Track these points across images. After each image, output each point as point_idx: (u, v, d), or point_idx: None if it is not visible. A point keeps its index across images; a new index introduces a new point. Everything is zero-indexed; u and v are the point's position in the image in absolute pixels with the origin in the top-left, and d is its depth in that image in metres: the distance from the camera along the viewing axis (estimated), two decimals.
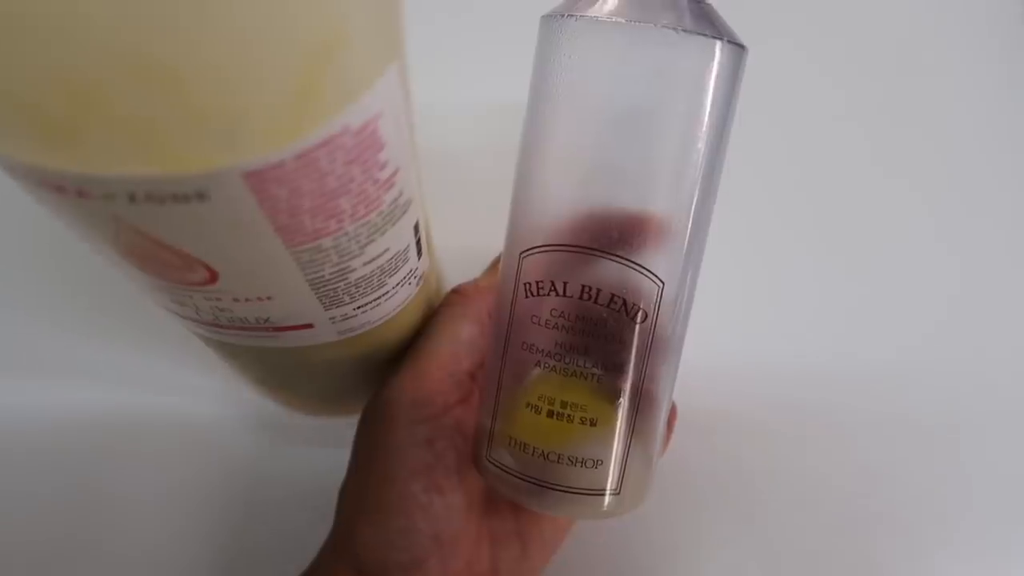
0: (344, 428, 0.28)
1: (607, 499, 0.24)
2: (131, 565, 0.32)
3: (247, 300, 0.19)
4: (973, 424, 0.36)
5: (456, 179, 0.36)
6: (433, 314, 0.27)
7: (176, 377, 0.34)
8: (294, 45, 0.12)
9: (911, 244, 0.39)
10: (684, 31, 0.20)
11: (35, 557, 0.32)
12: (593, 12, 0.21)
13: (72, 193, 0.14)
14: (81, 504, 0.33)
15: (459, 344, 0.26)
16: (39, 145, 0.12)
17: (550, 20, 0.22)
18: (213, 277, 0.17)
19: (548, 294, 0.23)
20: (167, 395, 0.34)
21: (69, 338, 0.35)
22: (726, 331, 0.34)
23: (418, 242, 0.21)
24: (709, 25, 0.21)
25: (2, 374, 0.34)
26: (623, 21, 0.20)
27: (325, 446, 0.34)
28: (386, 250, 0.19)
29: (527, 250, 0.23)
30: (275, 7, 0.11)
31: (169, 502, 0.33)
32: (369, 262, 0.19)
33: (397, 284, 0.22)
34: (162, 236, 0.15)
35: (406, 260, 0.21)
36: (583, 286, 0.23)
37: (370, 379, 0.27)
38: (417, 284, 0.23)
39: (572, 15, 0.21)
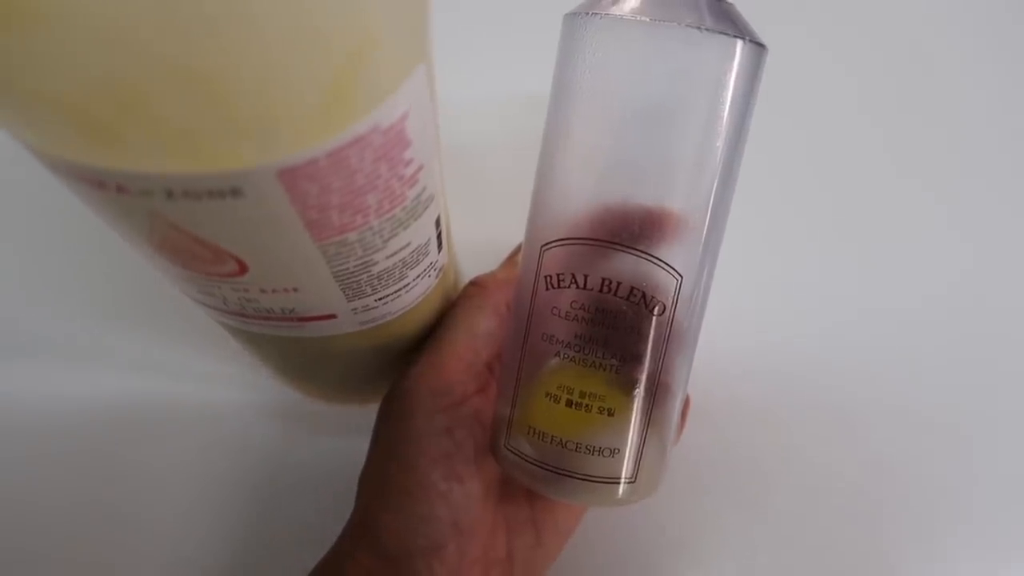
0: (364, 416, 0.29)
1: (622, 487, 0.24)
2: (150, 550, 0.33)
3: (274, 291, 0.19)
4: (984, 415, 0.36)
5: (473, 172, 0.36)
6: (452, 306, 0.27)
7: (197, 364, 0.35)
8: (327, 51, 0.13)
9: (923, 236, 0.39)
10: (707, 30, 0.20)
11: (55, 541, 0.33)
12: (616, 10, 0.21)
13: (112, 189, 0.14)
14: (100, 490, 0.33)
15: (477, 335, 0.27)
16: (82, 144, 0.13)
17: (574, 18, 0.22)
18: (243, 269, 0.18)
19: (568, 286, 0.23)
20: (188, 382, 0.35)
21: (91, 324, 0.35)
22: (737, 321, 0.35)
23: (439, 236, 0.22)
24: (731, 24, 0.21)
25: (24, 360, 0.35)
26: (647, 20, 0.21)
27: (345, 433, 0.34)
28: (408, 244, 0.20)
29: (548, 243, 0.24)
30: (309, 16, 0.12)
31: (189, 488, 0.34)
32: (392, 255, 0.20)
33: (417, 276, 0.22)
34: (196, 230, 0.16)
35: (427, 253, 0.22)
36: (603, 279, 0.23)
37: (389, 368, 0.28)
38: (436, 276, 0.24)
39: (596, 13, 0.21)
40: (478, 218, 0.35)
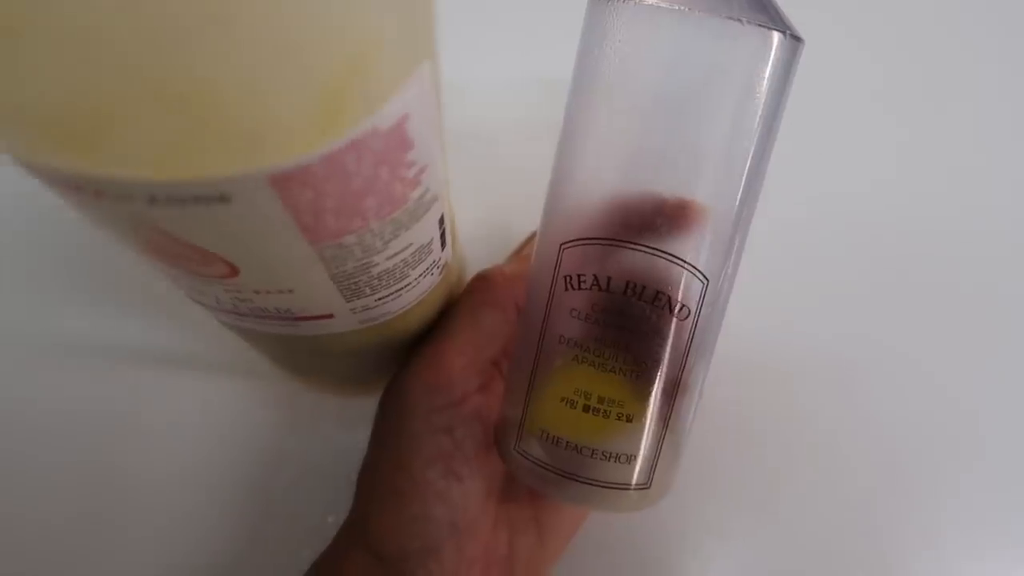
0: (364, 408, 0.28)
1: (636, 493, 0.24)
2: (146, 543, 0.32)
3: (268, 292, 0.18)
4: (996, 421, 0.36)
5: (482, 157, 0.35)
6: (456, 300, 0.26)
7: (195, 353, 0.34)
8: (324, 58, 0.11)
9: (938, 235, 0.38)
10: (748, 22, 0.19)
11: (52, 533, 0.32)
12: None
13: (90, 193, 0.13)
14: (97, 481, 0.33)
15: (481, 331, 0.26)
16: (56, 150, 0.12)
17: (603, 4, 0.21)
18: (234, 272, 0.17)
19: (590, 288, 0.22)
20: (186, 372, 0.34)
21: (90, 314, 0.35)
22: (746, 320, 0.34)
23: (442, 234, 0.21)
24: (768, 13, 0.20)
25: (18, 353, 0.34)
26: (685, 9, 0.19)
27: (345, 425, 0.33)
28: (410, 244, 0.19)
29: (569, 242, 0.23)
30: (304, 22, 0.11)
31: (186, 480, 0.33)
32: (392, 256, 0.19)
33: (419, 276, 0.21)
34: (182, 234, 0.15)
35: (429, 252, 0.21)
36: (628, 282, 0.22)
37: (390, 362, 0.27)
38: (439, 274, 0.23)
39: (630, 0, 0.20)
40: (486, 204, 0.34)
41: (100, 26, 0.10)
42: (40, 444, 0.33)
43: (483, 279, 0.27)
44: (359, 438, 0.27)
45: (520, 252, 0.28)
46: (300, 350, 0.25)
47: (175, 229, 0.15)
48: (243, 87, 0.11)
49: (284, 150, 0.13)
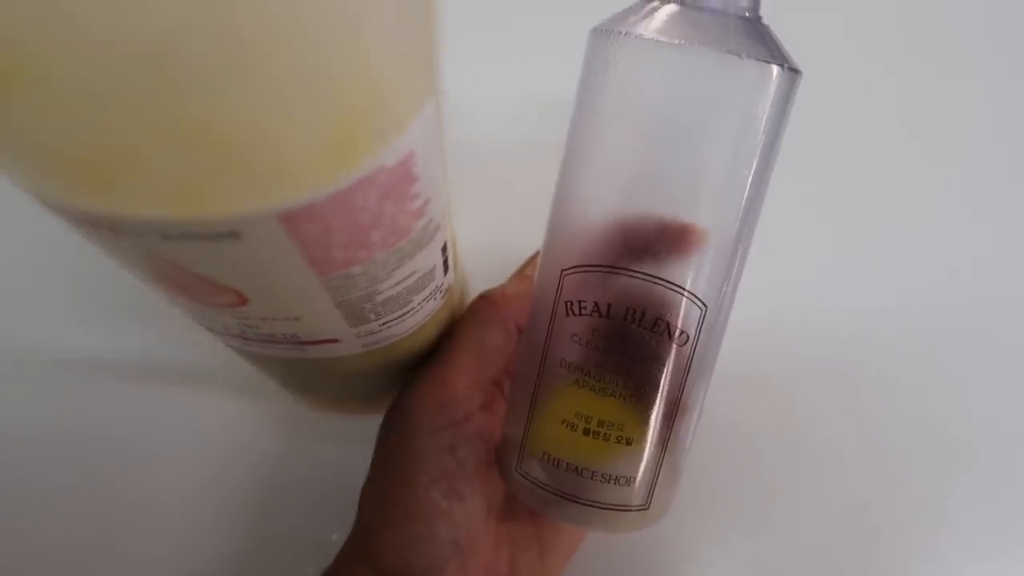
0: (368, 427, 0.28)
1: (636, 514, 0.24)
2: (149, 560, 0.33)
3: (275, 319, 0.19)
4: (997, 430, 0.36)
5: (482, 175, 0.36)
6: (459, 321, 0.27)
7: (199, 371, 0.35)
8: (336, 102, 0.12)
9: (943, 245, 0.38)
10: (747, 56, 0.20)
11: (53, 550, 0.32)
12: (650, 31, 0.20)
13: (105, 228, 0.14)
14: (100, 498, 0.33)
15: (484, 351, 0.26)
16: (72, 189, 0.12)
17: (604, 36, 0.21)
18: (242, 300, 0.17)
19: (591, 314, 0.23)
20: (190, 388, 0.34)
21: (93, 329, 0.35)
22: (744, 333, 0.34)
23: (445, 261, 0.21)
24: (766, 46, 0.20)
25: (24, 363, 0.35)
26: (685, 44, 0.20)
27: (348, 443, 0.34)
28: (414, 272, 0.19)
29: (570, 268, 0.23)
30: (318, 69, 0.11)
31: (189, 497, 0.33)
32: (397, 284, 0.19)
33: (423, 300, 0.22)
34: (193, 267, 0.15)
35: (432, 279, 0.21)
36: (628, 308, 0.22)
37: (393, 382, 0.27)
38: (442, 298, 0.23)
39: (629, 33, 0.20)
40: (486, 222, 0.34)
41: (118, 70, 0.10)
42: (43, 461, 0.33)
43: (486, 299, 0.27)
44: (362, 456, 0.27)
45: (522, 272, 0.29)
46: (305, 373, 0.25)
47: (187, 262, 0.15)
48: (258, 130, 0.12)
49: (294, 190, 0.13)
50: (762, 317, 0.36)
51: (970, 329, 0.37)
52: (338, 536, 0.27)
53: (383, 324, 0.21)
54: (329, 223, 0.15)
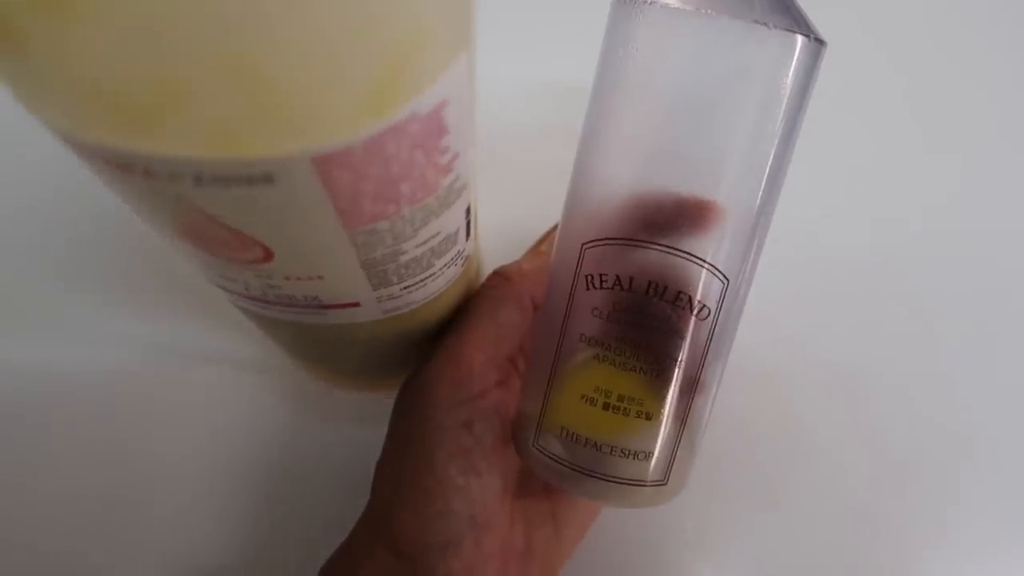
0: (379, 405, 0.28)
1: (653, 489, 0.24)
2: (163, 537, 0.32)
3: (298, 279, 0.19)
4: (999, 432, 0.36)
5: (497, 156, 0.36)
6: (474, 296, 0.27)
7: (214, 347, 0.35)
8: (376, 47, 0.12)
9: (952, 243, 0.38)
10: (773, 26, 0.20)
11: (68, 523, 0.32)
12: (676, 1, 0.20)
13: (139, 172, 0.14)
14: (115, 474, 0.33)
15: (499, 327, 0.26)
16: (116, 130, 0.12)
17: (628, 6, 0.21)
18: (268, 256, 0.17)
19: (612, 288, 0.23)
20: (205, 365, 0.34)
21: (111, 303, 0.35)
22: (758, 319, 0.34)
23: (468, 224, 0.21)
24: (791, 17, 0.20)
25: (31, 339, 0.34)
26: (710, 13, 0.20)
27: (362, 421, 0.34)
28: (438, 232, 0.19)
29: (591, 242, 0.23)
30: (364, 9, 0.11)
31: (204, 473, 0.33)
32: (421, 244, 0.19)
33: (444, 265, 0.22)
34: (223, 216, 0.15)
35: (455, 242, 0.21)
36: (649, 282, 0.22)
37: (408, 356, 0.27)
38: (462, 265, 0.23)
39: (654, 2, 0.20)
40: (500, 205, 0.34)
41: (166, 4, 0.10)
42: (47, 431, 0.33)
43: (501, 275, 0.27)
44: (376, 433, 0.27)
45: (537, 248, 0.29)
46: (322, 340, 0.25)
47: (217, 210, 0.15)
48: (303, 69, 0.12)
49: (330, 132, 0.13)
50: (774, 308, 0.36)
51: (977, 326, 0.37)
52: (351, 514, 0.26)
53: (404, 288, 0.21)
54: (361, 171, 0.15)
